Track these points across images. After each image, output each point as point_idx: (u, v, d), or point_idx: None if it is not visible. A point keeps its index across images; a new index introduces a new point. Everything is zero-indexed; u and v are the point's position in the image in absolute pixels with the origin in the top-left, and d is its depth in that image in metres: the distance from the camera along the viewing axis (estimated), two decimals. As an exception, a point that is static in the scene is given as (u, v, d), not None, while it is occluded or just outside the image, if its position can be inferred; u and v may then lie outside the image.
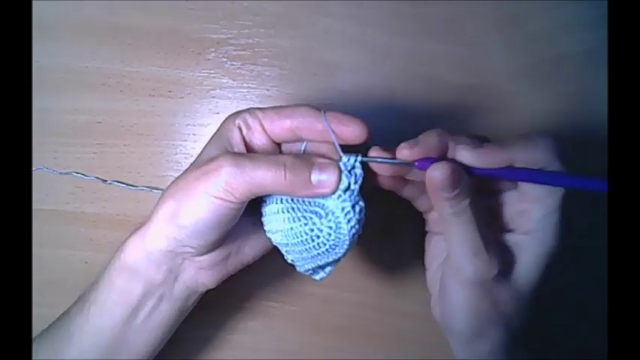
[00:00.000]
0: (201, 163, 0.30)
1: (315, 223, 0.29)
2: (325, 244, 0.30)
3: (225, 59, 0.41)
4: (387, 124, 0.40)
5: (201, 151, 0.32)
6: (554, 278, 0.41)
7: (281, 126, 0.31)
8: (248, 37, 0.41)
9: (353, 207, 0.29)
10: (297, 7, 0.40)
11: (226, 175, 0.28)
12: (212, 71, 0.41)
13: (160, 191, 0.40)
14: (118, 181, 0.41)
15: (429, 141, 0.29)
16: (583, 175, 0.28)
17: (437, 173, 0.28)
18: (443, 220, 0.30)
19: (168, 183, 0.40)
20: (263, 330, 0.42)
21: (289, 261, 0.33)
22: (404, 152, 0.29)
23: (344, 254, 0.31)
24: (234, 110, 0.40)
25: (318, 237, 0.29)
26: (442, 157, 0.30)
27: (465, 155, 0.29)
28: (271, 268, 0.41)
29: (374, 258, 0.41)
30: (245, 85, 0.41)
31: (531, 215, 0.30)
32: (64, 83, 0.41)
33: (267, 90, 0.41)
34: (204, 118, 0.41)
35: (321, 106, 0.31)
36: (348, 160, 0.30)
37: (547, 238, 0.30)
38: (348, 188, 0.29)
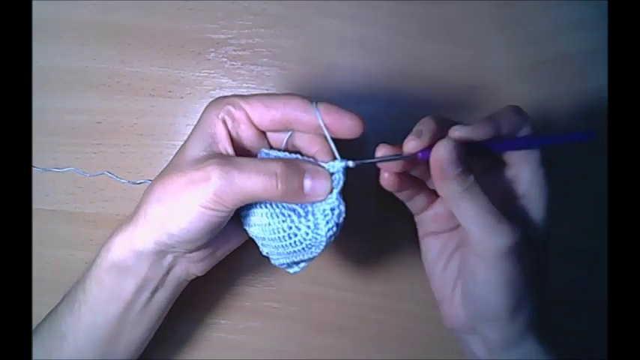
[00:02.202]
0: (186, 165, 0.29)
1: (293, 221, 0.29)
2: (302, 243, 0.30)
3: (225, 59, 0.41)
4: (387, 124, 0.40)
5: (185, 144, 0.31)
6: (555, 278, 0.41)
7: (269, 118, 0.30)
8: (248, 37, 0.41)
9: (332, 210, 0.29)
10: (297, 7, 0.40)
11: (215, 187, 0.27)
12: (212, 71, 0.41)
13: None
14: (150, 180, 0.40)
15: (430, 128, 0.29)
16: (563, 133, 0.31)
17: (442, 151, 0.28)
18: (454, 203, 0.29)
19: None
20: (263, 330, 0.42)
21: (264, 253, 0.33)
22: (412, 144, 0.29)
23: (319, 254, 0.31)
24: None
25: (296, 235, 0.29)
26: None
27: (459, 134, 0.29)
28: (271, 269, 0.41)
29: (374, 258, 0.41)
30: (245, 85, 0.41)
31: (521, 178, 0.31)
32: (64, 83, 0.41)
33: (267, 90, 0.41)
34: (204, 118, 0.41)
35: (306, 97, 0.30)
36: (341, 162, 0.29)
37: (541, 192, 0.31)
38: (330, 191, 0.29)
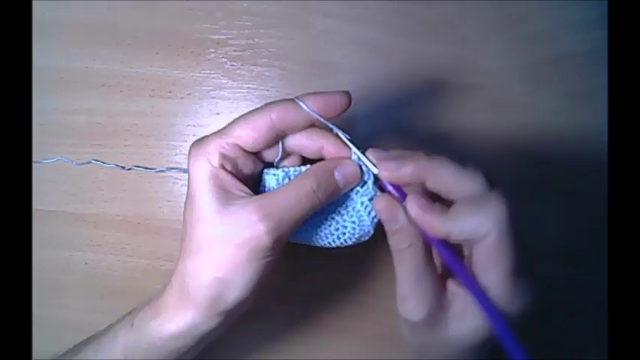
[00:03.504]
0: (222, 229, 0.27)
1: (338, 222, 0.31)
2: (352, 238, 0.31)
3: (225, 60, 0.41)
4: (386, 124, 0.40)
5: (199, 211, 0.28)
6: (555, 278, 0.41)
7: (262, 138, 0.29)
8: (248, 37, 0.41)
9: (370, 200, 0.30)
10: (297, 7, 0.40)
11: (273, 235, 0.27)
12: (212, 72, 0.41)
13: (178, 170, 0.39)
14: (137, 166, 0.40)
15: (403, 171, 0.28)
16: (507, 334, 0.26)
17: (378, 204, 0.29)
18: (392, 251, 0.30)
19: (168, 183, 0.41)
20: (263, 330, 0.42)
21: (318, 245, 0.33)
22: (384, 174, 0.29)
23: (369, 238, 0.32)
24: (234, 111, 0.41)
25: (344, 234, 0.31)
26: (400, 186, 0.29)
27: (410, 208, 0.28)
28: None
29: (374, 258, 0.41)
30: (245, 85, 0.41)
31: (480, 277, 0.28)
32: (64, 83, 0.41)
33: (267, 90, 0.41)
34: (204, 118, 0.41)
35: (285, 99, 0.30)
36: (358, 157, 0.30)
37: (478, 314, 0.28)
38: (363, 183, 0.30)
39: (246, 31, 0.41)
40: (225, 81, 0.41)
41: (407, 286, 0.28)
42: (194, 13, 0.41)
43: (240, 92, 0.41)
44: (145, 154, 0.41)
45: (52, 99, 0.41)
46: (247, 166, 0.30)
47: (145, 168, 0.40)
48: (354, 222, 0.31)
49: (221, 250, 0.27)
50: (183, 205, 0.41)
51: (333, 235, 0.31)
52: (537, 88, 0.41)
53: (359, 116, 0.40)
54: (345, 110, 0.29)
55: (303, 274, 0.41)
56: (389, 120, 0.40)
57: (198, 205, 0.28)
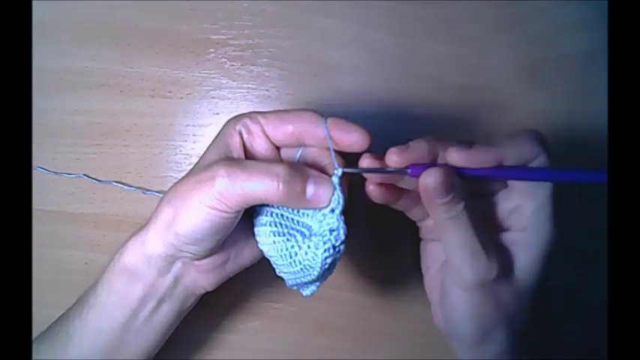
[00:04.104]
0: (199, 169, 0.30)
1: (297, 240, 0.30)
2: (300, 263, 0.29)
3: (224, 60, 0.41)
4: (387, 124, 0.40)
5: (203, 155, 0.32)
6: (555, 278, 0.41)
7: (283, 131, 0.30)
8: (248, 37, 0.41)
9: (331, 231, 0.29)
10: (297, 7, 0.40)
11: (219, 186, 0.28)
12: (212, 72, 0.41)
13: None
14: (158, 192, 0.41)
15: (418, 148, 0.29)
16: (571, 168, 0.29)
17: (430, 180, 0.28)
18: (439, 226, 0.30)
19: (168, 184, 0.41)
20: (263, 330, 0.42)
21: (278, 274, 0.33)
22: (393, 158, 0.29)
23: (319, 277, 0.30)
24: (234, 111, 0.41)
25: (296, 254, 0.29)
26: (432, 163, 0.29)
27: (456, 157, 0.28)
28: (271, 269, 0.41)
29: (374, 258, 0.41)
30: (245, 85, 0.41)
31: (523, 211, 0.30)
32: (64, 83, 0.41)
33: (267, 90, 0.41)
34: (203, 118, 0.41)
35: (321, 108, 0.31)
36: (336, 169, 0.29)
37: (541, 232, 0.30)
38: (332, 210, 0.29)
39: (246, 31, 0.41)
40: (225, 81, 0.41)
41: (473, 247, 0.29)
42: (194, 13, 0.41)
43: (240, 92, 0.41)
44: (144, 154, 0.41)
45: (52, 99, 0.41)
46: (262, 149, 0.32)
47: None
48: (308, 246, 0.29)
49: (184, 181, 0.30)
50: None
51: (287, 250, 0.30)
52: (536, 89, 0.41)
53: (359, 116, 0.40)
54: (359, 149, 0.30)
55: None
56: (389, 120, 0.40)
57: (207, 149, 0.32)
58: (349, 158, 0.31)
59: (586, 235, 0.41)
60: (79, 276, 0.41)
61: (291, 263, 0.30)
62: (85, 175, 0.41)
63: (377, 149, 0.30)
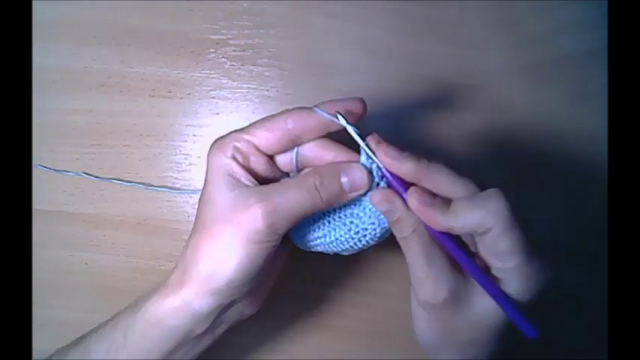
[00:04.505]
0: (225, 210, 0.28)
1: (357, 225, 0.30)
2: (374, 239, 0.31)
3: (224, 60, 0.41)
4: (387, 124, 0.40)
5: (206, 197, 0.30)
6: (555, 278, 0.41)
7: (276, 139, 0.30)
8: (248, 37, 0.41)
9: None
10: (297, 7, 0.40)
11: (267, 221, 0.27)
12: (212, 72, 0.41)
13: (191, 192, 0.40)
14: (175, 188, 0.40)
15: (404, 167, 0.28)
16: (516, 312, 0.27)
17: (375, 197, 0.29)
18: (400, 241, 0.30)
19: (168, 184, 0.41)
20: (263, 330, 0.42)
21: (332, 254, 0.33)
22: (384, 159, 0.29)
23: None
24: (234, 111, 0.41)
25: (365, 236, 0.31)
26: (408, 183, 0.29)
27: (411, 201, 0.28)
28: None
29: (374, 259, 0.41)
30: (245, 85, 0.41)
31: (493, 266, 0.29)
32: (64, 83, 0.41)
33: (267, 90, 0.41)
34: (203, 118, 0.41)
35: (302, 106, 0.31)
36: (367, 161, 0.30)
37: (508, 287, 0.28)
38: (377, 185, 0.30)
39: (246, 31, 0.41)
40: (225, 81, 0.41)
41: (420, 270, 0.29)
42: (194, 13, 0.41)
43: (239, 92, 0.41)
44: (144, 154, 0.41)
45: (52, 99, 0.41)
46: (260, 166, 0.31)
47: (174, 189, 0.41)
48: (373, 223, 0.30)
49: (219, 228, 0.28)
50: (182, 205, 0.41)
51: (354, 238, 0.31)
52: (537, 89, 0.41)
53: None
54: (361, 116, 0.30)
55: (303, 274, 0.41)
56: (389, 120, 0.40)
57: (209, 190, 0.30)
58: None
59: (586, 235, 0.41)
60: (79, 276, 0.41)
61: (364, 244, 0.31)
62: (84, 172, 0.41)
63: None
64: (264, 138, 0.30)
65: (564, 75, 0.41)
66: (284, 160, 0.32)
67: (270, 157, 0.31)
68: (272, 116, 0.30)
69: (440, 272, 0.29)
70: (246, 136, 0.30)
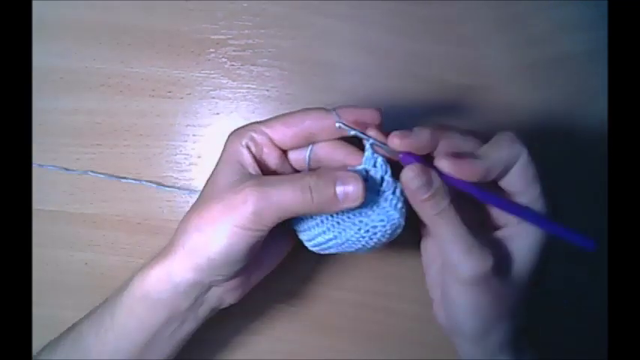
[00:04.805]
0: (222, 191, 0.29)
1: (367, 223, 0.30)
2: (385, 236, 0.31)
3: (224, 60, 0.41)
4: (387, 124, 0.40)
5: (214, 176, 0.31)
6: (555, 278, 0.41)
7: (291, 134, 0.31)
8: (248, 37, 0.41)
9: (393, 192, 0.30)
10: (297, 7, 0.40)
11: (254, 207, 0.28)
12: (212, 72, 0.41)
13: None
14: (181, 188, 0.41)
15: (420, 136, 0.29)
16: (550, 221, 0.30)
17: (408, 174, 0.28)
18: (429, 224, 0.30)
19: (168, 184, 0.41)
20: (263, 330, 0.42)
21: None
22: (394, 141, 0.29)
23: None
24: (234, 111, 0.41)
25: (375, 234, 0.30)
26: (426, 156, 0.30)
27: (443, 165, 0.29)
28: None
29: (374, 258, 0.41)
30: (245, 85, 0.41)
31: (520, 202, 0.30)
32: (64, 83, 0.41)
33: (267, 90, 0.41)
34: (204, 118, 0.41)
35: (322, 107, 0.31)
36: (371, 156, 0.31)
37: (533, 226, 0.30)
38: (382, 180, 0.30)
39: (246, 31, 0.41)
40: (225, 81, 0.41)
41: (464, 242, 0.29)
42: (194, 13, 0.41)
43: (240, 92, 0.41)
44: (144, 154, 0.41)
45: (52, 99, 0.41)
46: (272, 159, 0.32)
47: (179, 189, 0.41)
48: (382, 220, 0.30)
49: (211, 206, 0.29)
50: (182, 205, 0.41)
51: (364, 237, 0.30)
52: (537, 89, 0.41)
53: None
54: (378, 126, 0.31)
55: (303, 274, 0.41)
56: (389, 120, 0.40)
57: (216, 171, 0.31)
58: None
59: (586, 235, 0.41)
60: (79, 276, 0.41)
61: (375, 242, 0.31)
62: (90, 171, 0.41)
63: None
64: (281, 132, 0.31)
65: (564, 75, 0.41)
66: (297, 158, 0.32)
67: (284, 153, 0.32)
68: (291, 113, 0.31)
69: (483, 241, 0.29)
70: (264, 128, 0.31)
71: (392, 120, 0.40)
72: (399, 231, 0.31)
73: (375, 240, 0.31)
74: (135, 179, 0.41)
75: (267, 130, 0.31)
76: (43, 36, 0.41)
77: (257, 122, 0.31)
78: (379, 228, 0.30)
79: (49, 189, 0.41)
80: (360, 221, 0.30)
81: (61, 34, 0.41)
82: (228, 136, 0.32)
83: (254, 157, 0.31)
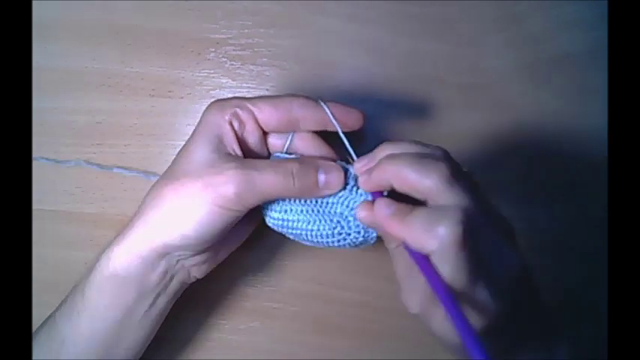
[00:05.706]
0: (200, 168, 0.29)
1: (343, 227, 0.31)
2: (353, 244, 0.31)
3: (224, 59, 0.41)
4: (386, 124, 0.40)
5: (188, 148, 0.31)
6: (555, 278, 0.41)
7: (277, 117, 0.31)
8: (248, 37, 0.41)
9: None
10: (297, 7, 0.40)
11: (237, 189, 0.28)
12: (212, 71, 0.41)
13: None
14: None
15: (379, 181, 0.28)
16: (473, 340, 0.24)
17: (359, 212, 0.29)
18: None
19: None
20: (263, 330, 0.42)
21: (291, 238, 0.33)
22: (360, 182, 0.30)
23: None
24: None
25: (345, 239, 0.31)
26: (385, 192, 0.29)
27: (377, 211, 0.28)
28: (271, 269, 0.41)
29: (374, 258, 0.41)
30: (245, 85, 0.41)
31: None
32: (64, 83, 0.41)
33: (267, 90, 0.41)
34: (204, 118, 0.41)
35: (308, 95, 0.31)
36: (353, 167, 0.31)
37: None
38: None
39: (246, 31, 0.41)
40: (225, 80, 0.41)
41: (400, 281, 0.30)
42: (194, 12, 0.41)
43: (240, 92, 0.41)
44: (145, 154, 0.41)
45: (52, 99, 0.41)
46: (253, 139, 0.31)
47: None
48: (359, 232, 0.31)
49: (187, 183, 0.29)
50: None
51: (334, 238, 0.31)
52: (537, 88, 0.41)
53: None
54: (356, 128, 0.32)
55: (303, 274, 0.41)
56: (389, 120, 0.40)
57: (191, 142, 0.30)
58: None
59: (586, 235, 0.41)
60: (78, 276, 0.41)
61: (343, 245, 0.31)
62: (85, 161, 0.40)
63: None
64: (267, 113, 0.30)
65: (564, 74, 0.41)
66: (274, 143, 0.33)
67: (264, 135, 0.32)
68: (279, 95, 0.31)
69: (414, 289, 0.28)
70: (250, 106, 0.31)
71: (392, 120, 0.40)
72: (370, 242, 0.32)
73: (341, 243, 0.31)
74: (125, 168, 0.41)
75: (254, 109, 0.30)
76: (43, 36, 0.41)
77: (242, 98, 0.31)
78: (352, 237, 0.31)
79: (49, 189, 0.41)
80: (339, 222, 0.31)
81: (61, 34, 0.41)
82: (208, 107, 0.31)
83: (236, 134, 0.31)
